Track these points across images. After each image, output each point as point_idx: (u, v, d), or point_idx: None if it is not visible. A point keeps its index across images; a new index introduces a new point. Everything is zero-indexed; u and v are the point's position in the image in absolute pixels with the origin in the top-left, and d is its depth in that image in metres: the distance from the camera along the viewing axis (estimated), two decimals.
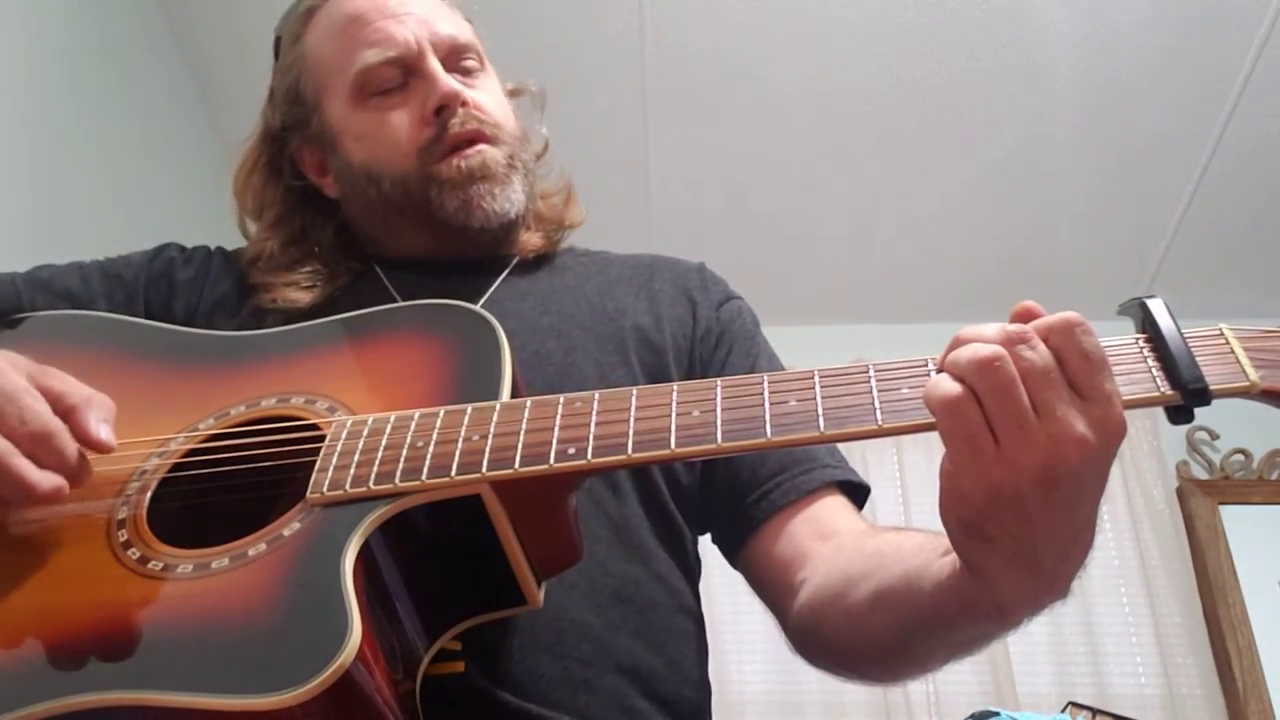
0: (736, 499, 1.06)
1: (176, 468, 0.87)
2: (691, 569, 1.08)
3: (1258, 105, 3.02)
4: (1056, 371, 0.66)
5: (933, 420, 0.69)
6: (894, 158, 3.22)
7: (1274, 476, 3.41)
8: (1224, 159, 3.17)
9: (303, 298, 1.10)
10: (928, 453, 3.36)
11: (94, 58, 2.58)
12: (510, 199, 1.12)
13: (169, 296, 1.14)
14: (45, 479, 0.77)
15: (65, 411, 0.80)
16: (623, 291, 1.15)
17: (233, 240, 1.28)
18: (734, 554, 1.09)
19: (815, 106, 3.09)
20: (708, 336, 1.14)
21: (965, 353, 0.67)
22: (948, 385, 0.67)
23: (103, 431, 0.80)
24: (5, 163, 2.19)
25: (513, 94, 1.24)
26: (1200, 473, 3.42)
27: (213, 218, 2.95)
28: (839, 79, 3.01)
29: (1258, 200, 3.30)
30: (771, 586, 1.04)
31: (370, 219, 1.17)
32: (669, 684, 0.96)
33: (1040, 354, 0.66)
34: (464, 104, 1.11)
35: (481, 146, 1.11)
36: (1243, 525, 3.31)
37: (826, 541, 1.00)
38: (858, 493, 1.08)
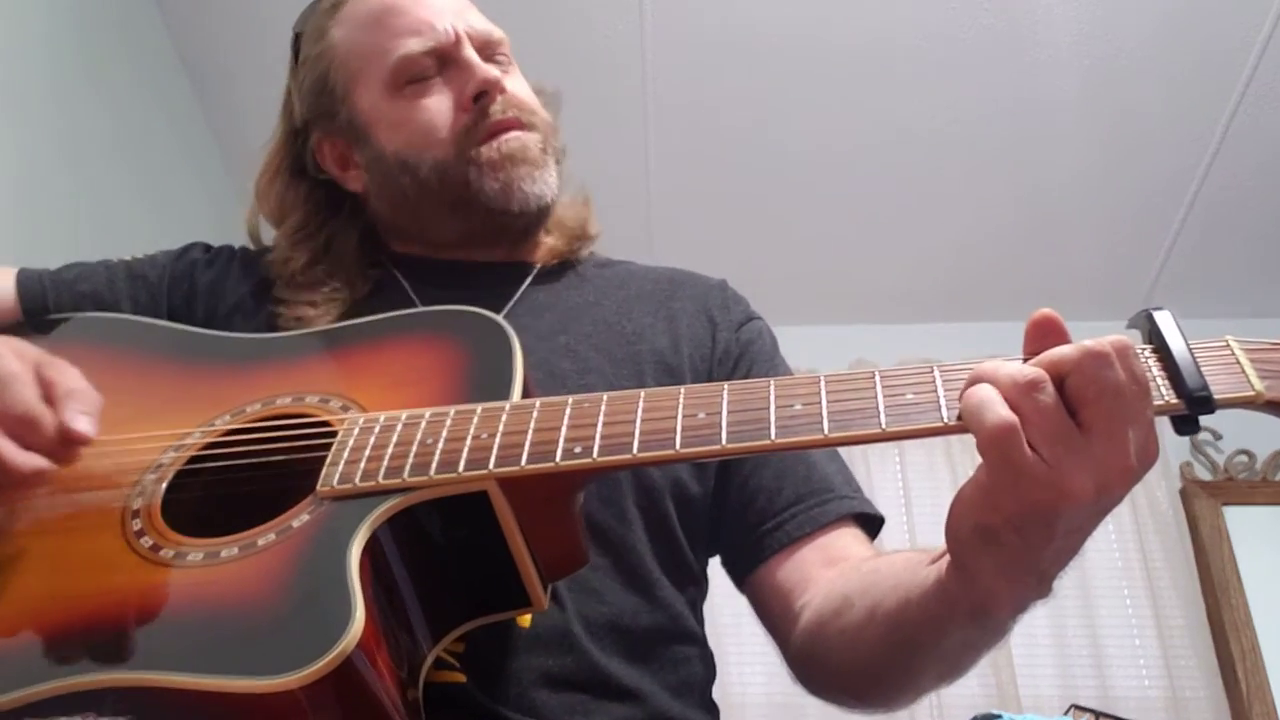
0: (750, 528, 1.06)
1: (193, 461, 0.89)
2: (695, 596, 1.08)
3: (1261, 105, 3.00)
4: (1129, 396, 0.66)
5: (934, 425, 0.70)
6: (894, 159, 3.22)
7: (1278, 477, 3.40)
8: (1227, 159, 3.15)
9: (321, 317, 1.09)
10: (929, 454, 3.37)
11: (86, 52, 2.56)
12: (547, 182, 1.13)
13: (190, 298, 1.15)
14: (27, 459, 0.78)
15: (51, 401, 0.81)
16: (641, 311, 1.15)
17: (229, 236, 1.28)
18: (741, 579, 1.09)
19: (819, 110, 3.09)
20: (726, 358, 1.13)
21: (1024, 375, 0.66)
22: (1000, 412, 0.66)
23: (80, 422, 0.80)
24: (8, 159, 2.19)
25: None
26: (1204, 474, 3.42)
27: (208, 215, 2.98)
28: (842, 84, 3.01)
29: (1260, 201, 3.28)
30: (775, 614, 1.04)
31: (401, 210, 1.17)
32: (671, 708, 0.96)
33: (1117, 374, 0.65)
34: (502, 91, 1.12)
35: (518, 132, 1.12)
36: (1246, 526, 3.31)
37: (831, 568, 1.00)
38: (872, 524, 1.08)
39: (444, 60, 1.13)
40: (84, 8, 2.57)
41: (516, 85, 1.17)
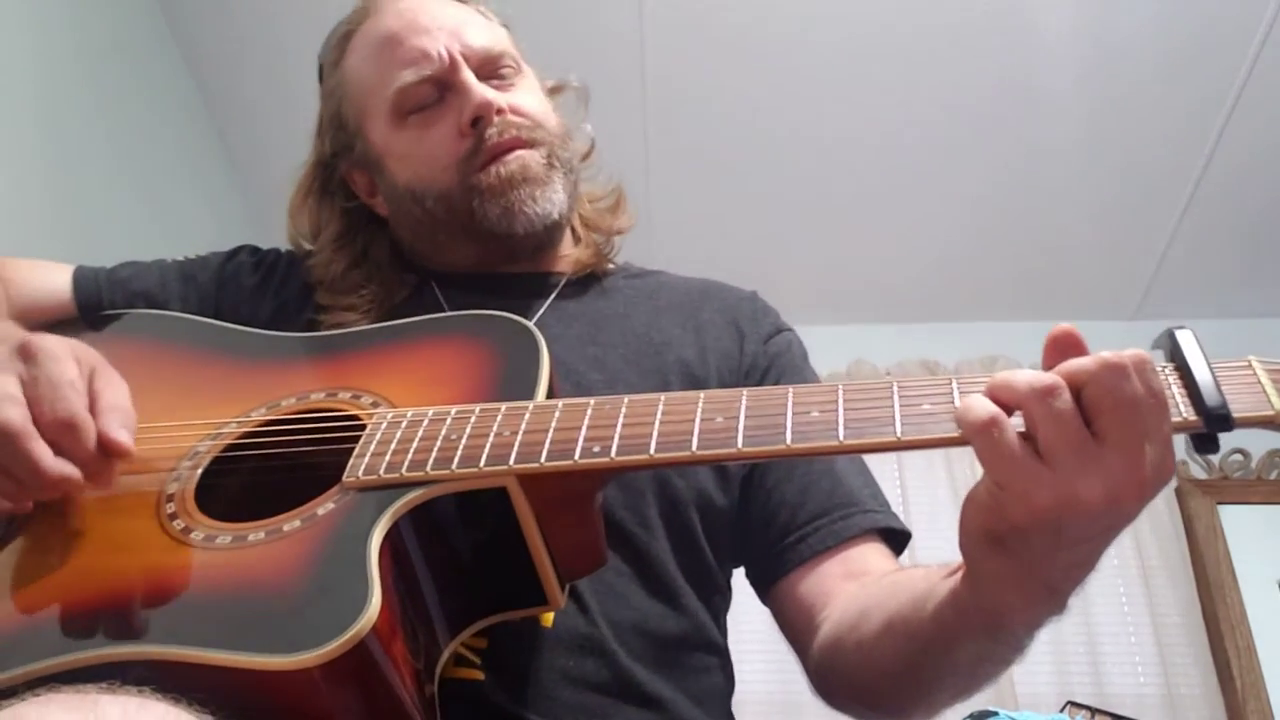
0: (773, 540, 1.07)
1: (228, 450, 0.91)
2: (718, 606, 1.08)
3: (1256, 106, 3.00)
4: (1145, 409, 0.66)
5: (952, 435, 0.70)
6: (895, 158, 3.21)
7: (1272, 476, 3.41)
8: (1222, 162, 3.14)
9: (358, 322, 1.11)
10: (928, 463, 3.37)
11: (101, 59, 2.57)
12: (551, 199, 1.12)
13: (236, 300, 1.18)
14: (56, 466, 0.79)
15: (94, 413, 0.83)
16: (669, 322, 1.15)
17: (232, 239, 1.31)
18: (764, 592, 1.10)
19: (818, 108, 3.08)
20: (753, 370, 1.14)
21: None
22: (983, 405, 0.67)
23: (121, 435, 0.82)
24: (16, 162, 2.19)
25: (553, 91, 1.25)
26: (1199, 472, 3.42)
27: (218, 219, 2.97)
28: (841, 80, 3.01)
29: (1255, 202, 3.28)
30: (796, 627, 1.04)
31: (419, 236, 1.19)
32: (692, 717, 0.97)
33: (1134, 387, 0.65)
34: (499, 112, 1.11)
35: (519, 152, 1.11)
36: (1241, 525, 3.31)
37: (852, 582, 1.00)
38: (898, 539, 1.08)
39: (443, 85, 1.12)
40: (100, 22, 2.58)
41: (521, 98, 1.16)
